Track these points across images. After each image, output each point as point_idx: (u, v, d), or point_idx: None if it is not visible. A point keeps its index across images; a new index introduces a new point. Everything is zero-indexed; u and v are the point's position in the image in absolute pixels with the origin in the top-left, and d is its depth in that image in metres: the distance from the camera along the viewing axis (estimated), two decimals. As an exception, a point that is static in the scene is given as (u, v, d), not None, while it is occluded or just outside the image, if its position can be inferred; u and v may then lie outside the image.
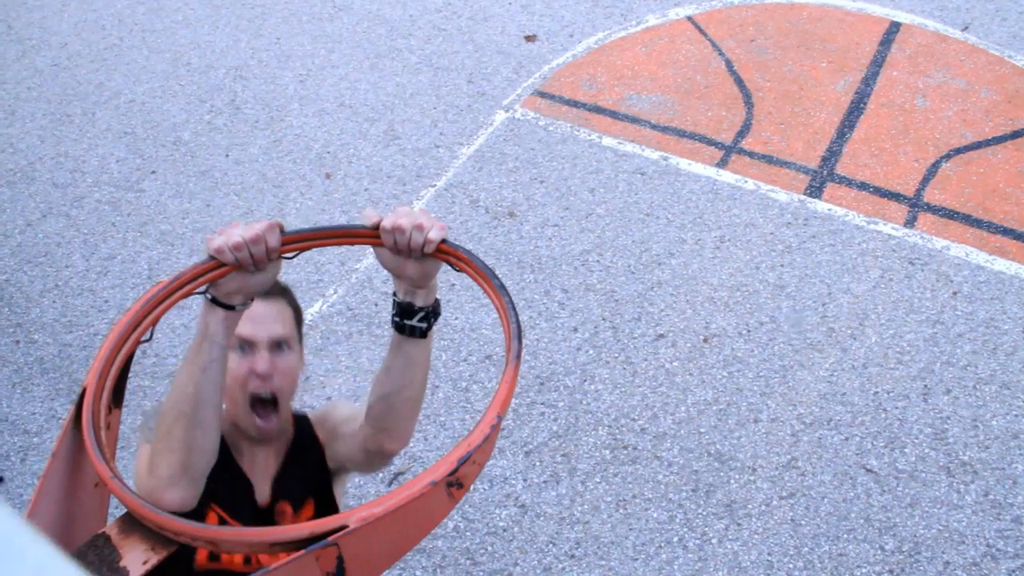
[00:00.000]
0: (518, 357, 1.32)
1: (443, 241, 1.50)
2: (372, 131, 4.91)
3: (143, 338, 1.42)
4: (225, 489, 1.82)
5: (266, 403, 1.88)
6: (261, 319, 1.86)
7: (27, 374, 3.84)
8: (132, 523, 1.17)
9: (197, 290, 1.48)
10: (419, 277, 1.59)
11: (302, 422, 2.07)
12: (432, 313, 1.64)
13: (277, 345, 1.88)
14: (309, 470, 2.00)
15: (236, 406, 1.90)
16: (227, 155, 4.82)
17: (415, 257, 1.55)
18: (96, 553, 1.15)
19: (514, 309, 1.39)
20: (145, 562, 1.15)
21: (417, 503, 1.14)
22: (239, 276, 1.55)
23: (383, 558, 1.17)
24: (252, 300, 1.63)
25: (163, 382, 3.73)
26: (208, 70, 5.39)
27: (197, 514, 1.72)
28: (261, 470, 1.98)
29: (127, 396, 3.89)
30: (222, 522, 1.88)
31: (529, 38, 5.47)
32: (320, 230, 1.58)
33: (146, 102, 5.19)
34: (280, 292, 1.93)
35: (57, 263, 4.30)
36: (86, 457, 1.22)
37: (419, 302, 1.62)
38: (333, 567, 1.11)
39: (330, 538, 1.10)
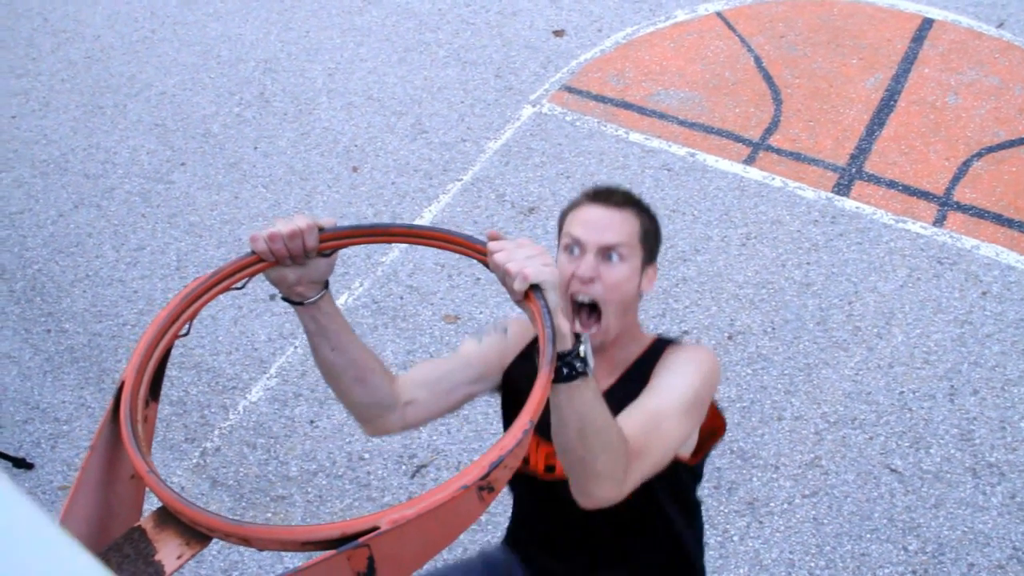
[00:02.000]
0: (552, 361, 1.30)
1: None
2: (399, 125, 4.93)
3: (181, 332, 1.43)
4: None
5: (585, 308, 1.81)
6: (595, 224, 1.81)
7: (58, 363, 3.89)
8: (167, 517, 1.19)
9: (235, 285, 1.49)
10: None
11: (658, 348, 1.93)
12: (565, 362, 1.45)
13: (607, 253, 1.80)
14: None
15: (564, 305, 1.81)
16: (256, 147, 4.86)
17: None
18: (132, 546, 1.17)
19: (549, 311, 1.37)
20: (179, 556, 1.16)
21: (448, 506, 1.14)
22: (293, 269, 1.53)
23: (413, 559, 1.18)
24: (326, 288, 1.62)
25: (190, 372, 3.78)
26: (238, 63, 5.43)
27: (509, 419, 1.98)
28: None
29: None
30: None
31: (557, 33, 5.47)
32: (359, 228, 1.55)
33: (176, 94, 5.24)
34: (627, 202, 1.86)
35: (88, 253, 4.35)
36: (123, 450, 1.24)
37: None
38: (364, 567, 1.12)
39: (361, 539, 1.11)
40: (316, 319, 1.64)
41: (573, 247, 1.82)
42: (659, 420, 1.71)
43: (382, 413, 1.82)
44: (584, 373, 1.46)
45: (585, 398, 1.48)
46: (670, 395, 1.76)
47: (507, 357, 1.98)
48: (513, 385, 1.97)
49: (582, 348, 1.46)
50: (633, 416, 1.68)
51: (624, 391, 1.82)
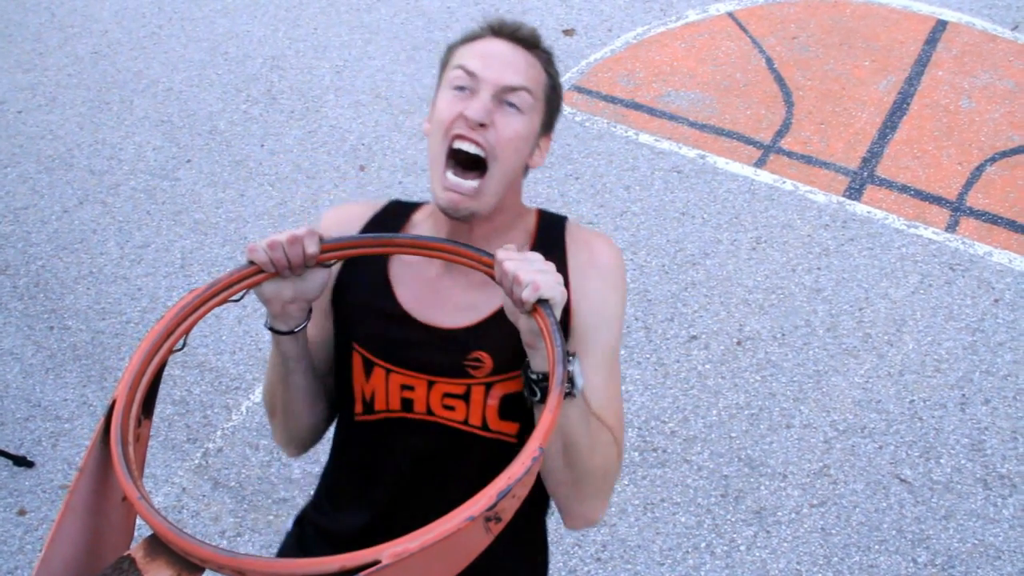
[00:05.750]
0: (562, 383, 1.24)
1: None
2: (407, 124, 4.89)
3: (175, 347, 1.38)
4: (375, 323, 1.50)
5: (468, 161, 1.45)
6: (497, 59, 1.46)
7: (60, 360, 3.86)
8: (158, 546, 1.14)
9: (232, 297, 1.43)
10: (525, 332, 1.37)
11: (552, 230, 1.59)
12: (538, 383, 1.38)
13: (508, 97, 1.45)
14: None
15: (434, 163, 1.47)
16: (262, 145, 4.82)
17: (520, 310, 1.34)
18: None
19: (559, 332, 1.29)
20: None
21: (453, 538, 1.09)
22: (290, 283, 1.44)
23: None
24: (310, 312, 1.52)
25: (193, 371, 3.75)
26: (245, 60, 5.40)
27: (340, 361, 1.59)
28: (459, 286, 1.55)
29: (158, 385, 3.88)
30: (367, 365, 1.55)
31: (567, 32, 5.42)
32: (362, 238, 1.48)
33: (183, 91, 5.21)
34: (538, 45, 1.53)
35: (92, 250, 4.33)
36: (114, 472, 1.19)
37: (533, 365, 1.39)
38: None
39: (362, 574, 1.06)
40: (299, 341, 1.52)
41: (463, 84, 1.46)
42: (618, 391, 1.54)
43: (305, 442, 1.68)
44: (571, 393, 1.35)
45: (571, 418, 1.38)
46: (613, 354, 1.53)
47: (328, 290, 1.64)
48: (341, 297, 1.63)
49: (572, 367, 1.34)
50: (608, 406, 1.50)
51: None
